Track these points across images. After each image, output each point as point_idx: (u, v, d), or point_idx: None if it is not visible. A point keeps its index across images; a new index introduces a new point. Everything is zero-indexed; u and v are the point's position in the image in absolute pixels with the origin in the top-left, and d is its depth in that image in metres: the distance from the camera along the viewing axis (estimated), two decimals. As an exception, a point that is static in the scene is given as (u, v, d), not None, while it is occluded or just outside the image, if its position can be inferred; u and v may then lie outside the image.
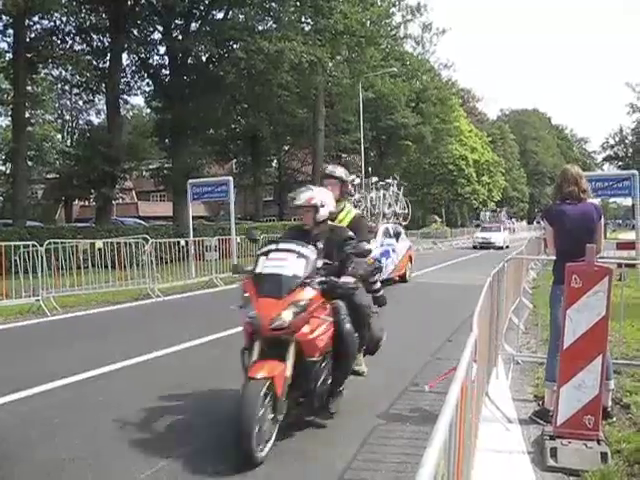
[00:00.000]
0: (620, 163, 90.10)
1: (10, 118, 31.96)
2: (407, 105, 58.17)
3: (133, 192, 69.51)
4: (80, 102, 54.44)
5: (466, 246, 51.18)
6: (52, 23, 31.89)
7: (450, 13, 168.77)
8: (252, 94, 38.07)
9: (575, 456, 5.05)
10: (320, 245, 5.91)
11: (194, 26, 35.09)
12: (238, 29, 32.41)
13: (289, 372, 5.26)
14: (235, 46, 33.54)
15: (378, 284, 7.54)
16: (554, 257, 6.33)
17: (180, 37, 34.26)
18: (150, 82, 37.86)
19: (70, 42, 33.86)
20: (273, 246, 5.88)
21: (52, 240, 15.59)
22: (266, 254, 5.81)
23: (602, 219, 6.16)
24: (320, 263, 5.73)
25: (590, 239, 5.73)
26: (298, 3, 35.34)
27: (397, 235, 20.50)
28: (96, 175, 30.14)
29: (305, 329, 5.39)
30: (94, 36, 34.51)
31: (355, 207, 18.23)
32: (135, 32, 34.71)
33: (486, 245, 46.42)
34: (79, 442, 5.59)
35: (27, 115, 32.47)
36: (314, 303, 5.50)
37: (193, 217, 25.42)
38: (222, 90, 34.95)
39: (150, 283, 16.87)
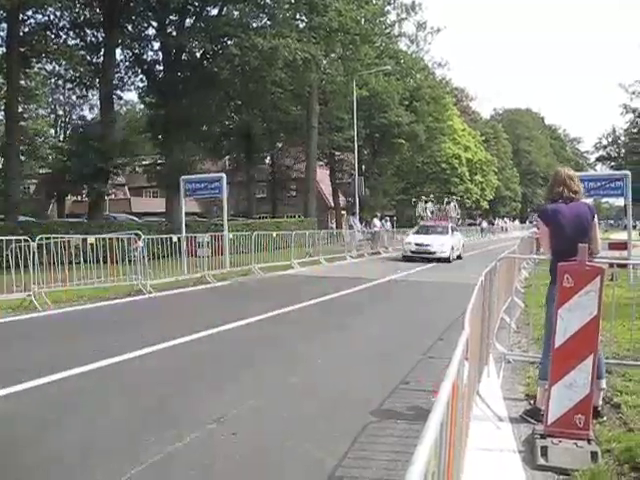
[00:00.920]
0: (613, 163, 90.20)
1: (3, 113, 31.86)
2: (401, 103, 58.11)
3: (126, 188, 69.41)
4: (73, 97, 54.55)
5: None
6: (46, 17, 31.84)
7: (445, 12, 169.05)
8: (246, 91, 38.05)
9: (565, 455, 5.07)
10: None
11: (188, 22, 35.03)
12: (232, 25, 32.36)
13: None
14: (229, 42, 33.48)
15: None
16: (545, 256, 6.35)
17: (174, 33, 34.19)
18: (144, 78, 37.81)
19: (64, 37, 33.80)
20: None
21: (44, 235, 15.56)
22: None
23: (595, 218, 6.18)
24: None
25: (585, 239, 5.74)
26: (293, 0, 35.32)
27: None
28: (89, 170, 30.03)
29: None
30: (88, 31, 34.41)
31: None
32: (129, 27, 34.64)
33: (421, 254, 29.99)
34: (67, 439, 5.58)
35: (20, 110, 32.43)
36: None
37: (186, 213, 25.38)
38: (216, 86, 34.91)
39: (142, 279, 16.84)
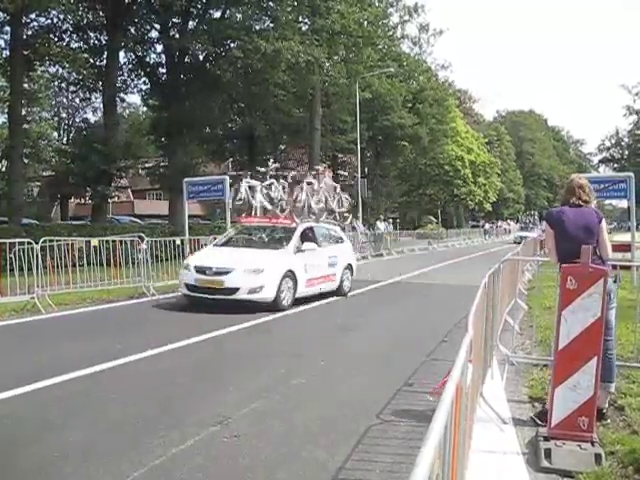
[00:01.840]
0: (616, 165, 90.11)
1: (6, 115, 31.92)
2: (404, 105, 58.13)
3: (129, 190, 69.45)
4: (77, 100, 54.50)
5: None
6: (49, 21, 31.79)
7: (447, 14, 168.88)
8: (249, 93, 38.04)
9: (569, 457, 5.06)
10: None
11: (191, 25, 35.02)
12: (235, 28, 32.37)
13: None
14: (232, 45, 33.50)
15: None
16: (548, 259, 6.34)
17: (177, 36, 34.17)
18: (147, 80, 37.82)
19: (67, 40, 33.77)
20: None
21: (47, 238, 15.54)
22: None
23: (603, 222, 6.15)
24: None
25: (591, 242, 5.74)
26: (295, 3, 35.32)
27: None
28: (92, 173, 30.03)
29: None
30: (91, 34, 34.42)
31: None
32: (132, 30, 34.64)
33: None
34: (72, 440, 5.59)
35: (23, 112, 32.45)
36: None
37: (189, 216, 25.35)
38: (219, 89, 34.92)
39: (145, 281, 16.84)
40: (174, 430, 5.82)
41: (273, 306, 13.58)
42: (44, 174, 47.05)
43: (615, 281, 8.95)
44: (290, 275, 14.25)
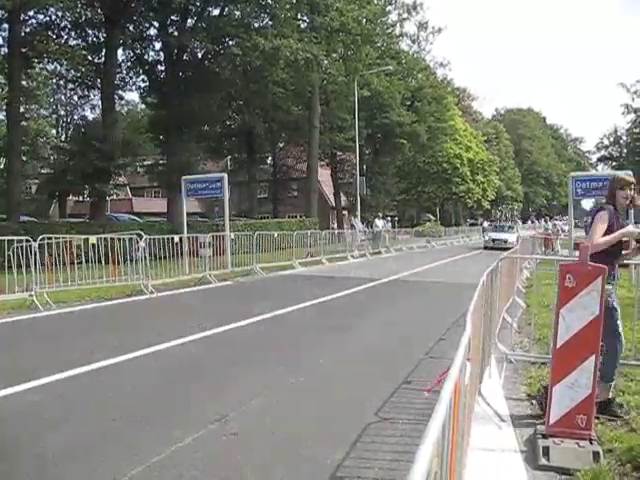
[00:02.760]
0: (614, 163, 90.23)
1: (4, 113, 31.89)
2: (402, 103, 58.16)
3: (127, 188, 69.30)
4: (75, 97, 54.43)
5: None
6: (47, 18, 31.81)
7: (446, 12, 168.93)
8: (247, 91, 38.11)
9: (567, 455, 5.07)
10: None
11: (190, 22, 35.02)
12: (234, 26, 32.38)
13: None
14: (231, 43, 33.51)
15: None
16: (547, 257, 6.34)
17: (176, 33, 34.15)
18: (145, 78, 37.83)
19: (65, 37, 33.78)
20: None
21: (46, 235, 15.55)
22: None
23: (600, 213, 6.19)
24: None
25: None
26: (294, 0, 35.33)
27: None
28: (90, 171, 30.02)
29: None
30: (89, 31, 34.39)
31: None
32: (131, 28, 34.63)
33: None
34: (70, 437, 5.59)
35: (22, 110, 32.43)
36: None
37: (187, 214, 25.39)
38: (217, 86, 34.94)
39: (144, 279, 16.83)
40: (172, 428, 5.82)
41: None
42: (42, 171, 46.88)
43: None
44: None
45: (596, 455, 5.03)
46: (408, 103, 60.80)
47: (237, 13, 34.99)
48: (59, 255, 15.65)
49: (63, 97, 58.55)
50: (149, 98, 40.01)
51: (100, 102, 37.81)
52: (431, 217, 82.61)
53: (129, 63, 37.90)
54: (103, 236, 17.41)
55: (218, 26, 32.48)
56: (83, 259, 16.21)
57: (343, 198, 61.51)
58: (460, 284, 17.36)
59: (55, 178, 35.83)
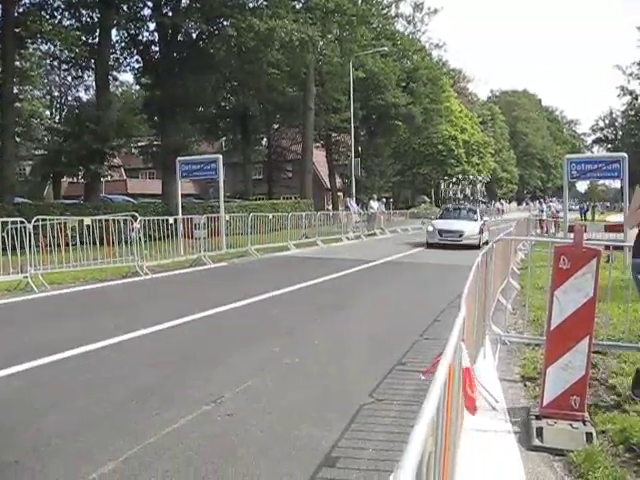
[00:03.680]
0: (610, 146, 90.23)
1: (-3, 94, 31.70)
2: (397, 85, 58.04)
3: (122, 169, 69.19)
4: (69, 78, 54.15)
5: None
6: (41, -3, 31.57)
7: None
8: (242, 72, 37.87)
9: (560, 436, 5.09)
10: None
11: (184, 2, 34.71)
12: (229, 6, 32.13)
13: None
14: (225, 23, 33.25)
15: None
16: (541, 238, 6.36)
17: (170, 13, 33.89)
18: (139, 59, 37.53)
19: (59, 17, 33.47)
20: None
21: (40, 217, 15.50)
22: None
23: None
24: None
25: None
26: (289, -20, 35.13)
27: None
28: (85, 152, 29.90)
29: None
30: (83, 11, 34.06)
31: None
32: (125, 8, 34.31)
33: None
34: (65, 420, 5.61)
35: (15, 91, 32.15)
36: None
37: (182, 195, 25.36)
38: (212, 67, 34.72)
39: (138, 260, 16.83)
40: (167, 409, 5.84)
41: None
42: (36, 153, 46.63)
43: (608, 261, 9.00)
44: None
45: (589, 436, 5.06)
46: (403, 84, 60.68)
47: (232, -7, 34.75)
48: (53, 237, 15.62)
49: (57, 78, 58.20)
50: (143, 79, 39.74)
51: (94, 83, 37.61)
52: (426, 199, 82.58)
53: (123, 44, 37.57)
54: (97, 217, 17.41)
55: (212, 6, 32.21)
56: (78, 241, 16.22)
57: (338, 180, 61.50)
58: (455, 266, 17.41)
59: (49, 159, 35.66)
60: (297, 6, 37.41)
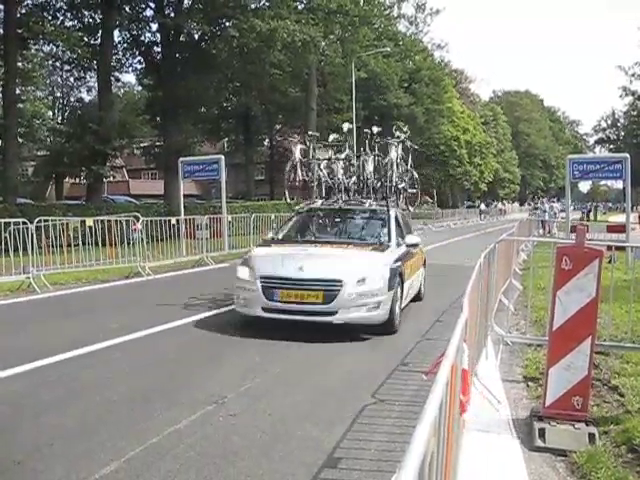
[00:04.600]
0: (612, 146, 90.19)
1: (0, 94, 31.73)
2: (400, 85, 58.09)
3: (124, 170, 69.14)
4: (71, 79, 54.10)
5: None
6: (43, -1, 31.60)
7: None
8: (244, 72, 37.86)
9: (563, 437, 5.09)
10: None
11: (186, 3, 34.75)
12: (231, 7, 32.12)
13: None
14: (228, 24, 33.26)
15: None
16: (544, 239, 6.36)
17: (172, 14, 33.92)
18: (142, 59, 37.57)
19: (61, 18, 33.51)
20: None
21: (42, 218, 15.50)
22: None
23: None
24: None
25: None
26: (291, -19, 35.13)
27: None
28: (87, 153, 29.93)
29: None
30: (86, 12, 34.09)
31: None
32: (127, 9, 34.34)
33: None
34: (67, 420, 5.62)
35: (17, 91, 32.22)
36: None
37: (184, 196, 25.36)
38: (214, 68, 34.74)
39: (141, 261, 16.83)
40: (170, 410, 5.84)
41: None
42: (39, 154, 46.72)
43: (610, 262, 8.99)
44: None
45: (592, 437, 5.06)
46: (405, 85, 60.72)
47: (234, -6, 34.75)
48: (56, 237, 15.62)
49: (59, 79, 58.24)
50: (145, 80, 39.82)
51: (96, 84, 37.69)
52: (428, 199, 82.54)
53: (125, 44, 37.61)
54: (100, 218, 17.39)
55: (214, 7, 32.22)
56: (80, 241, 16.21)
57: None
58: (457, 266, 17.37)
59: (51, 160, 35.72)
60: (299, 7, 37.40)
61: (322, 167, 12.75)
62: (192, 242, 20.44)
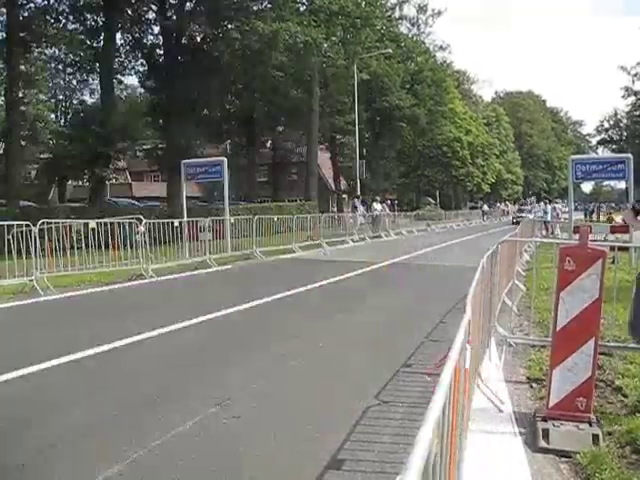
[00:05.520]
0: (614, 146, 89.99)
1: (3, 97, 31.79)
2: (402, 87, 58.04)
3: (127, 172, 69.28)
4: (74, 82, 54.32)
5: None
6: (45, 2, 31.69)
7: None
8: (247, 75, 37.95)
9: (567, 438, 5.08)
10: None
11: (189, 5, 34.87)
12: (233, 9, 32.23)
13: None
14: (230, 26, 33.38)
15: None
16: (546, 240, 6.36)
17: (174, 17, 34.01)
18: (144, 62, 37.70)
19: (64, 21, 33.66)
20: None
21: (45, 220, 15.53)
22: None
23: None
24: None
25: None
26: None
27: None
28: (90, 155, 30.02)
29: None
30: (88, 15, 34.21)
31: None
32: (129, 11, 34.47)
33: None
34: (71, 422, 5.61)
35: (20, 94, 32.31)
36: None
37: (187, 198, 25.38)
38: (216, 70, 34.80)
39: (143, 263, 16.84)
40: (174, 411, 5.84)
41: None
42: (41, 156, 46.84)
43: (613, 262, 8.98)
44: None
45: (595, 438, 5.05)
46: (408, 86, 60.66)
47: (236, -4, 34.81)
48: (59, 240, 15.64)
49: (62, 81, 58.31)
50: (148, 82, 39.88)
51: (99, 86, 37.75)
52: (431, 201, 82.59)
53: (128, 47, 37.75)
54: (103, 221, 17.39)
55: (217, 10, 32.32)
56: (83, 244, 16.22)
57: (343, 182, 61.48)
58: (460, 267, 17.35)
59: (54, 163, 35.84)
60: (301, 9, 37.47)
61: None
62: (195, 244, 20.46)
